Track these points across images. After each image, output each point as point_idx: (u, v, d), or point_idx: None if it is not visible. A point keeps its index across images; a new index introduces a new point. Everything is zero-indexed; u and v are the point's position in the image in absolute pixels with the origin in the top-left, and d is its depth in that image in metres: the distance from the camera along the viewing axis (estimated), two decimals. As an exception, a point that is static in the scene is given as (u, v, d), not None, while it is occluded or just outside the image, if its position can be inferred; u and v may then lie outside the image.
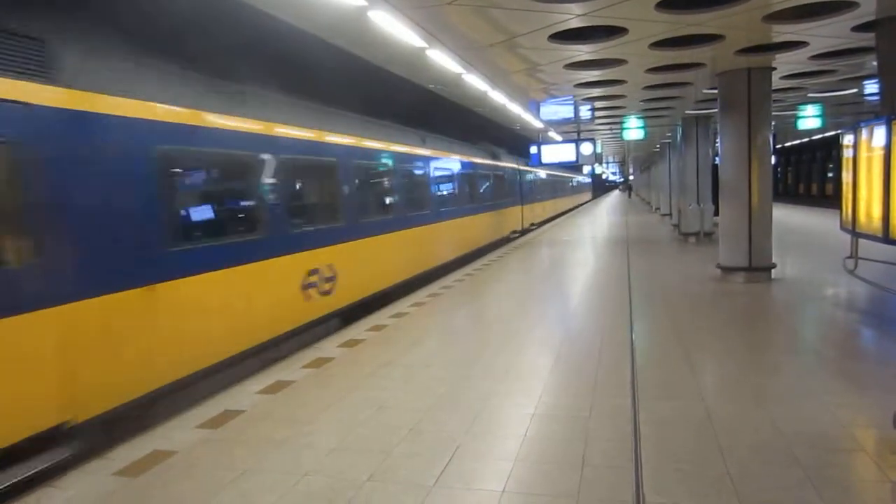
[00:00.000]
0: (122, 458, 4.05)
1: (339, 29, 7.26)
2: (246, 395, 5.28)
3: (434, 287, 10.83)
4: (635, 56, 8.98)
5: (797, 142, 34.69)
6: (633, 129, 17.74)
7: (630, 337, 6.76)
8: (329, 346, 6.83)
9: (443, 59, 8.54)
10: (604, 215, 34.19)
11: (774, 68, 10.08)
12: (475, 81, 10.35)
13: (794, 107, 15.92)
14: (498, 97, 12.23)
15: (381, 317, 8.37)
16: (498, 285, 11.23)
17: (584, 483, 3.52)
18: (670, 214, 23.17)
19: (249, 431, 4.51)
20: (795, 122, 17.43)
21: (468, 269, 13.22)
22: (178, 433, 4.47)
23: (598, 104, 14.04)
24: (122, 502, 3.54)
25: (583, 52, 8.68)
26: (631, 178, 71.66)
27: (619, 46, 8.30)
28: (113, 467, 3.93)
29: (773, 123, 10.59)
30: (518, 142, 22.59)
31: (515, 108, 14.20)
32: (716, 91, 10.85)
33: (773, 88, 10.57)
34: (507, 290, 10.56)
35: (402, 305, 9.16)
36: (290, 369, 6.01)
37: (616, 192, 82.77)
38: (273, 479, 3.73)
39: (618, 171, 72.59)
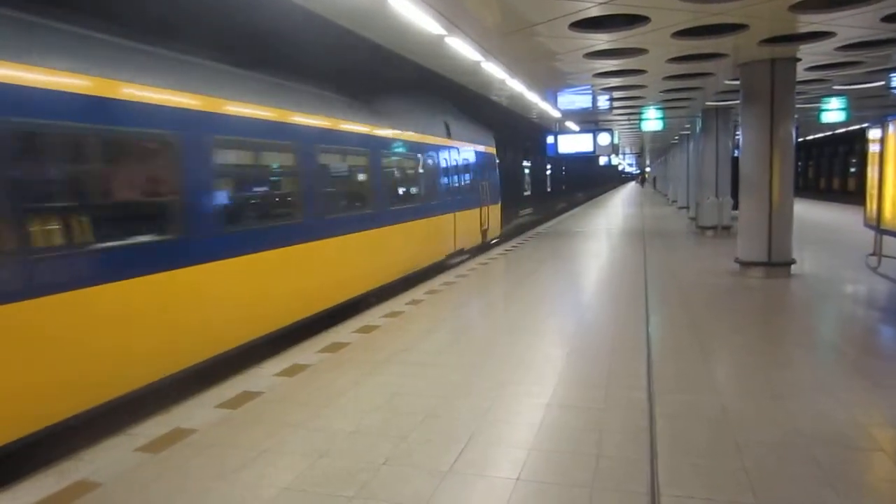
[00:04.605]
0: (145, 435, 4.13)
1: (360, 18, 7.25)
2: (264, 377, 5.35)
3: (449, 276, 10.86)
4: (657, 45, 8.88)
5: (819, 135, 34.14)
6: (652, 120, 17.59)
7: (646, 330, 6.75)
8: (344, 332, 6.89)
9: (462, 47, 8.49)
10: (619, 207, 33.96)
11: (799, 59, 9.91)
12: (493, 69, 10.29)
13: (818, 99, 15.66)
14: (516, 86, 12.15)
15: (396, 304, 8.42)
16: (512, 275, 11.22)
17: (599, 474, 3.53)
18: (687, 207, 22.97)
19: (267, 413, 4.58)
20: (818, 116, 17.17)
21: (483, 258, 13.22)
22: (198, 412, 4.55)
23: (617, 94, 13.91)
24: (145, 476, 3.62)
25: (603, 41, 8.60)
26: (648, 169, 71.03)
27: (641, 35, 8.21)
28: (135, 443, 4.02)
29: (796, 116, 10.41)
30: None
31: (533, 97, 14.11)
32: (738, 82, 10.70)
33: (797, 80, 10.40)
34: (521, 281, 10.55)
35: (418, 293, 9.20)
36: (307, 353, 6.07)
37: (631, 186, 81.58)
38: (291, 459, 3.79)
39: (634, 162, 72.02)
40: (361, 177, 9.50)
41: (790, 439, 3.94)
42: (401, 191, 11.00)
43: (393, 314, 7.73)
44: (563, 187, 56.14)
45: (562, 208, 36.50)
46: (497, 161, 17.43)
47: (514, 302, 8.66)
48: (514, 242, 16.48)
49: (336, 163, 8.83)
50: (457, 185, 13.62)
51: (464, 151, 14.32)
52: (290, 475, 3.58)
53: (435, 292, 9.21)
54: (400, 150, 10.77)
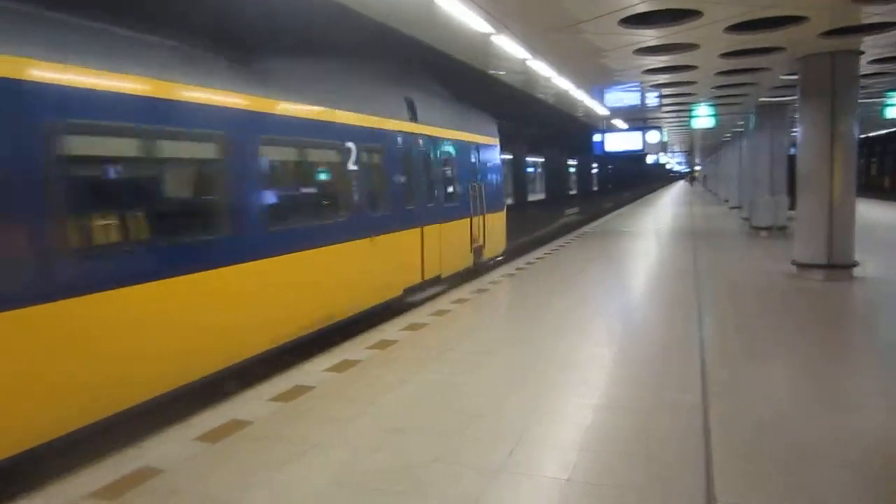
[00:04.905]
0: (203, 426, 4.29)
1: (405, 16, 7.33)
2: (315, 372, 5.47)
3: (495, 275, 10.84)
4: (708, 40, 8.66)
5: (882, 132, 32.62)
6: (703, 118, 17.15)
7: (698, 332, 6.58)
8: (392, 329, 6.96)
9: (509, 45, 8.47)
10: (667, 206, 33.23)
11: (862, 52, 9.49)
12: (540, 67, 10.23)
13: (881, 94, 14.95)
14: (562, 83, 12.05)
15: (443, 302, 8.46)
16: (559, 275, 11.13)
17: (652, 477, 3.48)
18: (740, 207, 22.31)
19: (319, 407, 4.68)
20: (882, 111, 16.39)
21: (529, 256, 13.14)
22: (253, 404, 4.69)
23: (666, 91, 13.62)
24: (204, 465, 3.76)
25: (652, 37, 8.44)
26: (698, 167, 69.33)
27: (692, 30, 8.02)
28: (194, 433, 4.17)
29: (857, 111, 9.97)
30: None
31: (580, 95, 13.96)
32: (795, 77, 10.33)
33: (860, 74, 9.96)
34: (569, 280, 10.46)
35: (464, 291, 9.22)
36: (356, 349, 6.17)
37: (680, 185, 79.70)
38: (342, 453, 3.86)
39: (684, 160, 70.37)
40: (208, 180, 5.71)
41: (851, 448, 3.79)
42: (301, 200, 7.05)
43: (440, 312, 7.77)
44: (610, 186, 55.31)
45: (608, 207, 35.95)
46: (499, 155, 13.58)
47: (563, 300, 8.56)
48: (560, 241, 16.32)
49: (141, 155, 4.99)
50: (426, 188, 9.52)
51: (441, 141, 10.31)
52: (343, 469, 3.65)
53: (483, 291, 9.21)
54: (304, 136, 6.84)
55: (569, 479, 3.49)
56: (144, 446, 4.01)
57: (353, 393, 4.98)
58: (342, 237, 7.30)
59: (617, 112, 17.34)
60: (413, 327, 7.03)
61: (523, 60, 9.56)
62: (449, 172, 10.66)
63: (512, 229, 20.79)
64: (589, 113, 17.92)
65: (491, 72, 11.45)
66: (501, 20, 7.31)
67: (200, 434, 4.16)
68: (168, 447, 3.99)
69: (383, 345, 6.32)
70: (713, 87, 13.17)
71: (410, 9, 6.89)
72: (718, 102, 15.84)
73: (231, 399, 4.84)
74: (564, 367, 5.51)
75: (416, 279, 9.05)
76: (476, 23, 7.19)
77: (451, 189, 10.63)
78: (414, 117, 9.35)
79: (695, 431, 4.04)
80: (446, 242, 10.09)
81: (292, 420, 4.43)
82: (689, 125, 19.50)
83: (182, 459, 3.82)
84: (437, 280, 9.78)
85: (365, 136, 7.90)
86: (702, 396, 4.64)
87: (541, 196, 40.43)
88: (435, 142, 10.07)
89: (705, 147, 41.53)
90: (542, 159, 41.22)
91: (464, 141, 11.34)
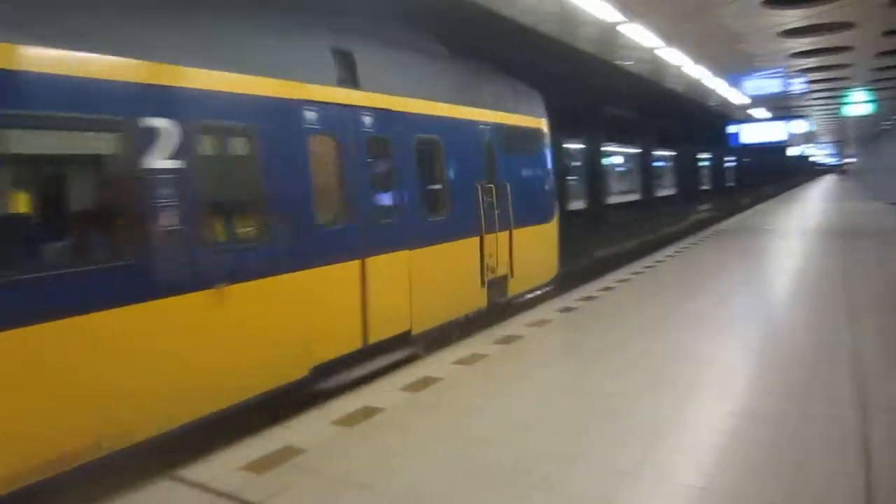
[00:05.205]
0: (340, 411, 4.55)
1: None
2: (443, 364, 5.61)
3: (622, 272, 10.48)
4: (867, 18, 7.82)
5: None
6: (858, 104, 15.50)
7: (850, 342, 5.95)
8: (517, 326, 6.96)
9: (639, 34, 8.18)
10: (815, 202, 30.38)
11: None
12: (673, 56, 9.78)
13: None
14: (694, 72, 11.42)
15: (569, 299, 8.32)
16: (693, 274, 10.57)
17: (800, 491, 3.21)
18: (903, 202, 19.95)
19: (448, 398, 4.80)
20: None
21: (661, 254, 12.57)
22: (385, 394, 4.90)
23: (815, 76, 12.49)
24: (342, 447, 4.00)
25: (800, 17, 7.77)
26: (850, 160, 62.83)
27: (848, 7, 7.29)
28: (332, 417, 4.44)
29: None
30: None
31: (713, 84, 13.15)
32: (978, 52, 9.05)
33: None
34: (704, 280, 9.91)
35: (591, 289, 8.99)
36: (483, 344, 6.24)
37: (828, 179, 72.48)
38: (471, 445, 3.93)
39: (835, 152, 64.14)
40: None
41: None
42: None
43: (566, 309, 7.65)
44: (746, 182, 51.50)
45: (745, 204, 33.52)
46: (546, 143, 9.34)
47: (698, 299, 8.09)
48: (694, 239, 15.44)
49: None
50: (379, 193, 6.11)
51: (417, 120, 6.51)
52: (470, 460, 3.71)
53: (610, 289, 8.93)
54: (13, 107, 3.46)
55: (704, 486, 3.33)
56: (287, 426, 4.33)
57: (480, 385, 5.06)
58: (114, 298, 3.79)
59: (758, 100, 16.18)
60: (538, 323, 6.98)
61: (652, 49, 9.19)
62: (436, 169, 6.95)
63: (639, 225, 20.06)
64: (724, 103, 16.84)
65: (616, 62, 11.10)
66: (633, 8, 7.08)
67: (337, 418, 4.42)
68: (309, 429, 4.28)
69: (509, 339, 6.34)
70: (872, 70, 11.87)
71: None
72: (878, 87, 14.24)
73: (364, 387, 5.10)
74: (700, 369, 5.23)
75: (349, 345, 5.52)
76: (606, 12, 7.02)
77: (438, 194, 6.96)
78: (351, 80, 5.79)
79: (853, 448, 3.67)
80: (425, 278, 6.42)
81: (421, 410, 4.59)
82: (839, 113, 17.73)
83: (321, 441, 4.07)
84: (403, 339, 6.18)
85: (205, 108, 4.50)
86: (857, 410, 4.20)
87: (670, 191, 38.55)
88: (400, 120, 6.28)
89: (860, 137, 37.47)
90: (673, 153, 39.33)
91: (470, 121, 7.48)
